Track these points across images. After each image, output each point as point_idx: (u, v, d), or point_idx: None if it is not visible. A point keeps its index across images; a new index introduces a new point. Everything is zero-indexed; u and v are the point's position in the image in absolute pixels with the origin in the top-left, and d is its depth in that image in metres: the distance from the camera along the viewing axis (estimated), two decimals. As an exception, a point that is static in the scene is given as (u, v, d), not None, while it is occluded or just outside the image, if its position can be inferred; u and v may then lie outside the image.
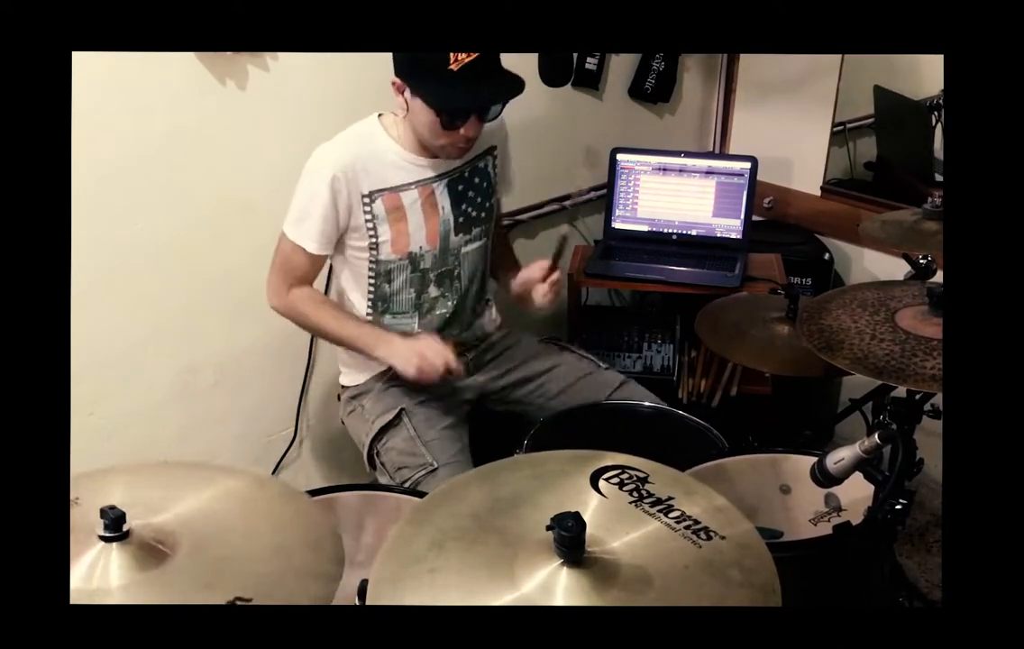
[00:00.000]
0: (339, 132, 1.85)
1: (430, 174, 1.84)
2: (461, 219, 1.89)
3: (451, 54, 1.63)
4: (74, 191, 0.99)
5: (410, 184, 1.82)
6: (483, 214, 1.93)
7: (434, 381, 1.80)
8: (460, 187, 1.88)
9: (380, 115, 1.85)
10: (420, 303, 1.91)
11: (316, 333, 1.97)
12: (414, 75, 1.70)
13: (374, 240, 1.83)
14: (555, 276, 1.93)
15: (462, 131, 1.73)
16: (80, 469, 1.05)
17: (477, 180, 1.91)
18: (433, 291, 1.91)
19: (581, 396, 1.99)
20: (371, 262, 1.86)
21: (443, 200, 1.86)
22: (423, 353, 1.78)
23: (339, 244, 1.87)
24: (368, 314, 1.91)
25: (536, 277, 1.94)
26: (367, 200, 1.80)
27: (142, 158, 1.89)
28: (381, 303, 1.90)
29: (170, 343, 2.05)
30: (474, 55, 1.63)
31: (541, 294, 1.93)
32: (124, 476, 1.21)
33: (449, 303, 1.93)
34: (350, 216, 1.81)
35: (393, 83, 1.75)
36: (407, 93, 1.73)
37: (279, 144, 2.06)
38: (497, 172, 1.97)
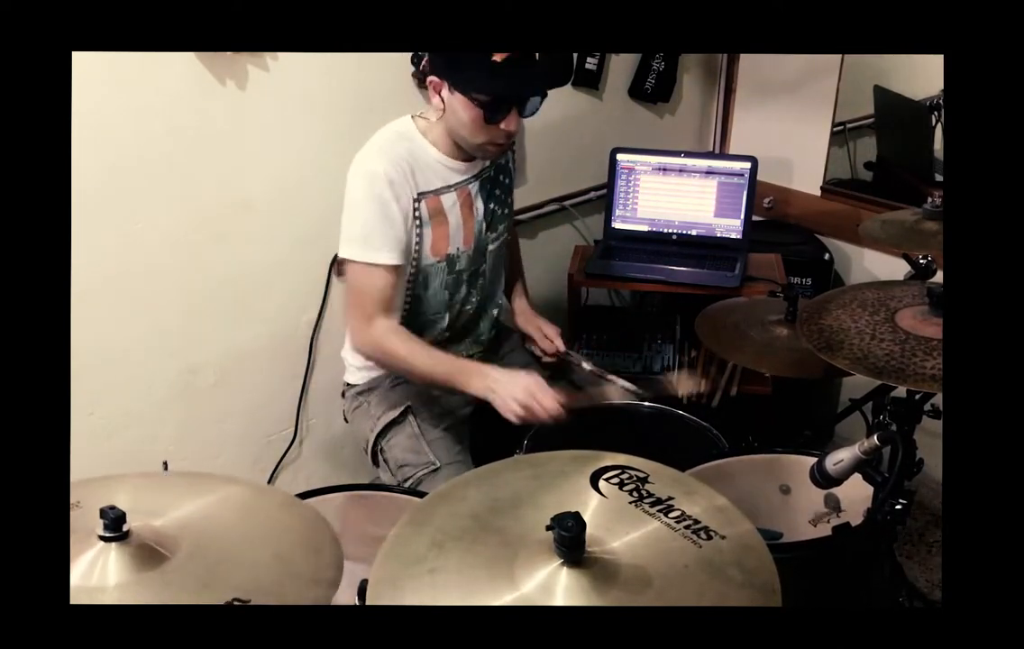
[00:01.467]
0: (338, 132, 1.85)
1: (468, 176, 1.84)
2: (490, 218, 1.90)
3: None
4: (74, 192, 0.99)
5: (450, 187, 1.82)
6: (506, 211, 1.96)
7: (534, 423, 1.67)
8: (490, 186, 1.89)
9: (413, 117, 1.82)
10: (452, 304, 1.90)
11: (405, 371, 1.81)
12: (456, 71, 1.67)
13: (418, 243, 1.79)
14: (553, 356, 2.05)
15: (503, 126, 1.71)
16: (81, 469, 1.05)
17: (502, 177, 1.93)
18: (464, 290, 1.91)
19: None
20: (411, 269, 1.81)
21: (478, 202, 1.87)
22: (530, 401, 1.63)
23: None
24: (403, 320, 1.86)
25: (545, 339, 2.06)
26: (416, 203, 1.77)
27: (142, 159, 1.89)
28: (416, 304, 1.87)
29: (170, 343, 2.05)
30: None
31: (537, 350, 2.06)
32: (127, 483, 1.22)
33: (475, 300, 1.94)
34: (405, 221, 1.73)
35: (430, 82, 1.73)
36: (445, 90, 1.71)
37: (279, 144, 2.06)
38: (515, 167, 1.99)
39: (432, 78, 1.72)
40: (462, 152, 1.81)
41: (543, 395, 1.64)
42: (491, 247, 1.94)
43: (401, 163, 1.73)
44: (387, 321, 1.74)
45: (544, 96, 1.76)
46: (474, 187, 1.85)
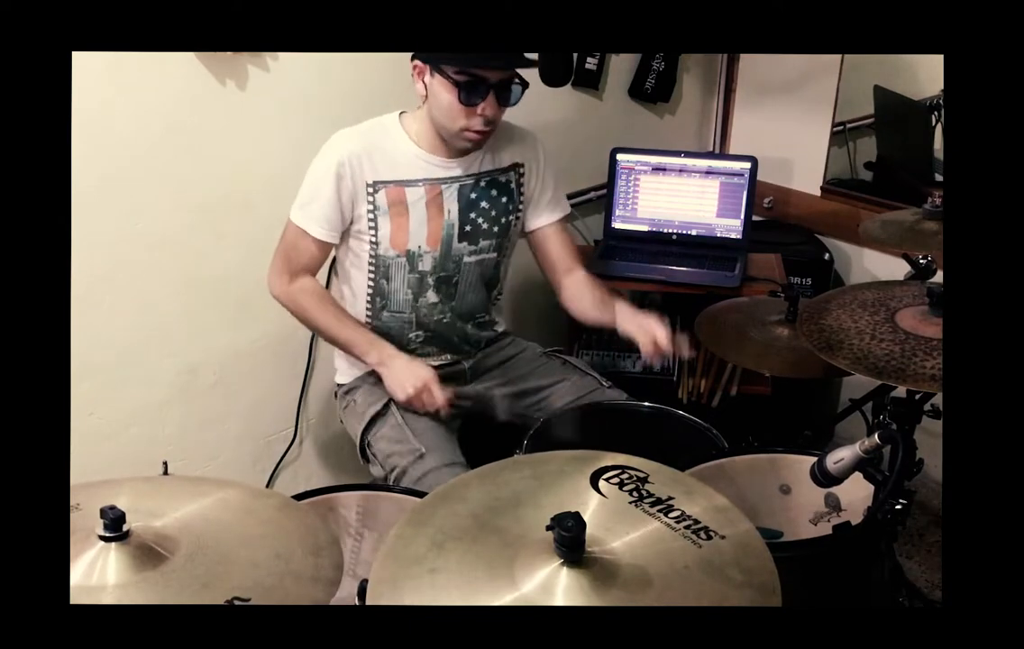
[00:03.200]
0: (338, 131, 1.85)
1: (441, 175, 1.83)
2: (468, 227, 1.87)
3: None
4: (74, 191, 0.99)
5: (418, 180, 1.82)
6: (495, 227, 1.91)
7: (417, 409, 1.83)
8: (473, 195, 1.87)
9: (402, 113, 1.85)
10: (417, 306, 1.90)
11: (314, 329, 1.97)
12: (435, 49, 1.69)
13: (374, 232, 1.83)
14: (666, 347, 1.84)
15: (479, 111, 1.72)
16: (81, 469, 1.05)
17: (494, 192, 1.90)
18: (431, 296, 1.90)
19: None
20: (371, 256, 1.86)
21: (450, 203, 1.85)
22: (419, 391, 1.79)
23: (344, 235, 1.87)
24: (368, 309, 1.92)
25: (653, 339, 1.84)
26: (371, 190, 1.80)
27: (142, 158, 1.89)
28: (380, 299, 1.90)
29: (170, 343, 2.05)
30: None
31: (648, 349, 1.85)
32: (127, 485, 1.22)
33: (446, 311, 1.92)
34: (354, 206, 1.81)
35: (414, 67, 1.75)
36: (427, 75, 1.73)
37: (279, 144, 2.06)
38: (523, 191, 1.95)
39: (416, 62, 1.75)
40: (445, 148, 1.82)
41: (433, 392, 1.79)
42: (468, 259, 1.90)
43: (359, 152, 1.78)
44: (305, 280, 1.86)
45: (524, 85, 1.76)
46: (448, 188, 1.84)
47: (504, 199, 1.91)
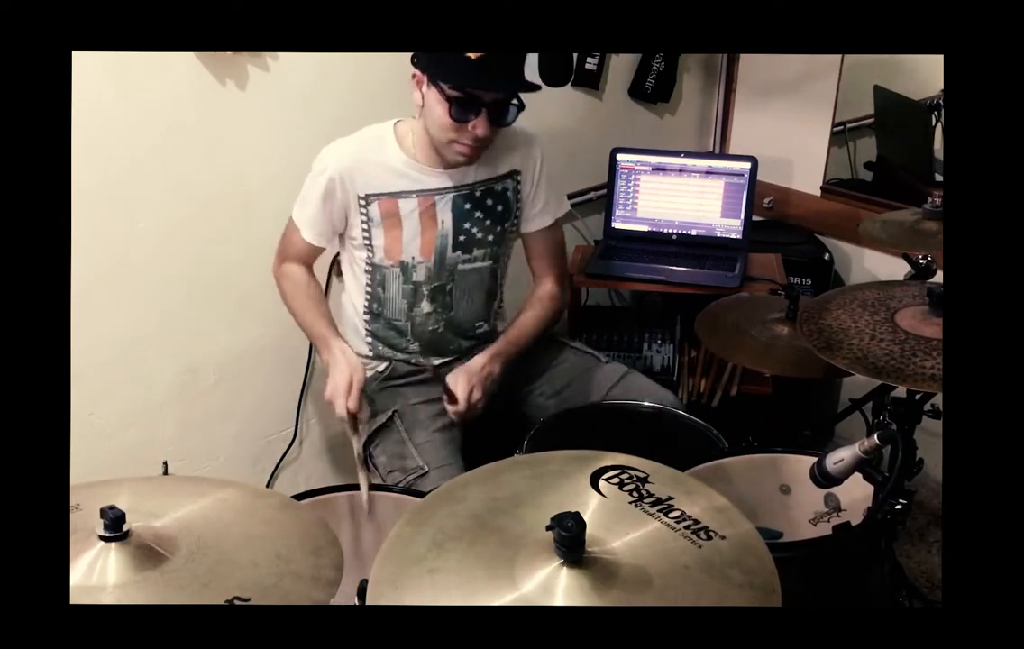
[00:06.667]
0: (338, 132, 1.85)
1: (434, 185, 1.83)
2: (462, 237, 1.86)
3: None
4: (74, 191, 0.99)
5: (410, 192, 1.81)
6: (490, 236, 1.90)
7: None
8: (467, 205, 1.85)
9: (397, 122, 1.85)
10: (412, 315, 1.90)
11: (290, 310, 1.95)
12: (432, 62, 1.70)
13: (368, 243, 1.84)
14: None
15: (470, 127, 1.71)
16: (81, 469, 1.05)
17: (490, 202, 1.88)
18: (426, 306, 1.89)
19: (584, 391, 1.98)
20: (368, 264, 1.87)
21: (444, 214, 1.84)
22: (332, 392, 1.76)
23: (342, 238, 1.89)
24: (365, 315, 1.92)
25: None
26: (363, 203, 1.80)
27: (142, 158, 1.89)
28: (376, 305, 1.91)
29: (170, 343, 2.05)
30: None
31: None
32: (127, 485, 1.22)
33: (441, 320, 1.91)
34: (346, 217, 1.83)
35: (413, 76, 1.75)
36: (424, 85, 1.73)
37: (279, 144, 2.06)
38: (520, 199, 1.94)
39: (415, 72, 1.74)
40: (439, 158, 1.80)
41: (339, 396, 1.74)
42: (462, 268, 1.89)
43: (350, 167, 1.79)
44: (292, 266, 1.92)
45: (520, 107, 1.75)
46: (441, 199, 1.83)
47: (500, 208, 1.90)
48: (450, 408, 1.84)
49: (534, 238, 2.00)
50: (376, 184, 1.80)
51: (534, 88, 1.77)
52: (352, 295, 1.95)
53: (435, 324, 1.91)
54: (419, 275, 1.87)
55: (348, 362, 1.78)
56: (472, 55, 1.64)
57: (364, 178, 1.80)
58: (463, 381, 1.82)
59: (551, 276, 2.03)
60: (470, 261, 1.89)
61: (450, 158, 1.79)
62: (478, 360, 1.87)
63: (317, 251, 1.92)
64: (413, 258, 1.85)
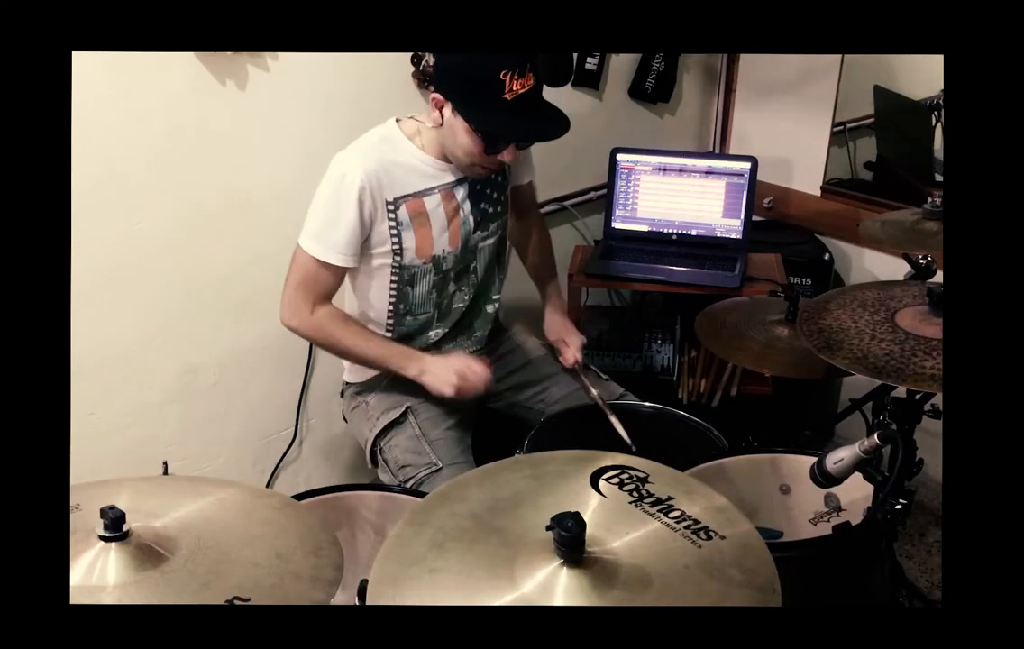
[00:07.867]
0: (338, 132, 1.84)
1: (451, 178, 1.83)
2: (480, 217, 1.89)
3: (506, 84, 1.62)
4: (74, 191, 0.99)
5: (433, 189, 1.81)
6: (499, 208, 1.94)
7: (471, 399, 1.84)
8: (478, 186, 1.87)
9: (398, 120, 1.83)
10: (440, 302, 1.91)
11: (342, 353, 1.89)
12: (465, 98, 1.68)
13: (398, 247, 1.80)
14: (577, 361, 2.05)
15: (501, 156, 1.74)
16: (81, 469, 1.05)
17: (495, 176, 1.91)
18: (451, 287, 1.91)
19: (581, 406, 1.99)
20: (394, 268, 1.83)
21: (463, 202, 1.85)
22: (463, 373, 1.80)
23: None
24: (389, 319, 1.89)
25: (567, 348, 2.07)
26: (391, 207, 1.77)
27: (142, 158, 1.89)
28: (403, 305, 1.88)
29: (170, 343, 2.05)
30: (528, 87, 1.64)
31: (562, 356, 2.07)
32: (127, 485, 1.22)
33: (466, 297, 1.94)
34: (373, 225, 1.77)
35: (433, 99, 1.72)
36: (447, 109, 1.71)
37: (279, 144, 2.06)
38: (511, 165, 1.95)
39: (436, 95, 1.72)
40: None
41: (473, 368, 1.81)
42: (482, 245, 1.93)
43: (376, 171, 1.74)
44: (327, 308, 1.82)
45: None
46: (460, 189, 1.84)
47: (500, 179, 1.93)
48: (565, 358, 2.05)
49: (524, 190, 2.10)
50: (401, 186, 1.78)
51: (567, 126, 1.76)
52: (366, 302, 1.90)
53: (460, 302, 1.94)
54: (448, 264, 1.87)
55: (451, 356, 1.86)
56: (507, 94, 1.63)
57: (390, 181, 1.76)
58: (569, 334, 2.08)
59: (533, 210, 2.19)
60: (488, 237, 1.93)
61: (467, 174, 1.82)
62: (555, 318, 2.13)
63: (343, 276, 1.82)
64: (444, 251, 1.85)
